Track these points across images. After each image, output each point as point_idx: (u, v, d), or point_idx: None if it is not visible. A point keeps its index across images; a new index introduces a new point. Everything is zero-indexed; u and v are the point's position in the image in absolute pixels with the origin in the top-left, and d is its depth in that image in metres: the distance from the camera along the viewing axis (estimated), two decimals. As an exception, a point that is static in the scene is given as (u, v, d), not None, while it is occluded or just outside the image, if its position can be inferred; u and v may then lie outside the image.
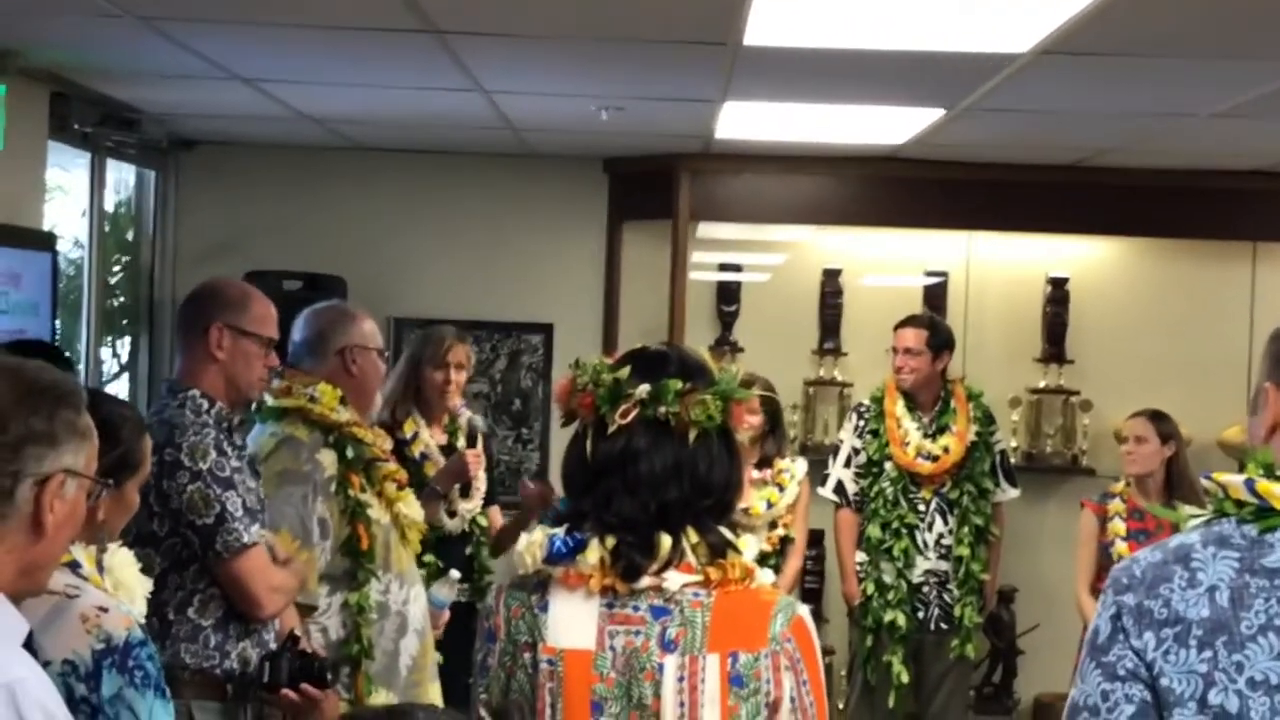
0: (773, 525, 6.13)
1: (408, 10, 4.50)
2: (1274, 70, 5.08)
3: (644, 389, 2.58)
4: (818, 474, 7.09)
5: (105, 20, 4.83)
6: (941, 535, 6.82)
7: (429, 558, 5.36)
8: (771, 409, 6.05)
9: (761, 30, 4.64)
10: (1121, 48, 4.79)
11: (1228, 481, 2.21)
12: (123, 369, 8.08)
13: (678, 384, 2.58)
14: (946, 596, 6.85)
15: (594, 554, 2.53)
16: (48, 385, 2.29)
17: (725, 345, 8.26)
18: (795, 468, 6.22)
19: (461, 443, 5.85)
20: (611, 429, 2.58)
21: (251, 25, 4.93)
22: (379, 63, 5.53)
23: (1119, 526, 6.36)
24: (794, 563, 6.24)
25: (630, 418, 2.57)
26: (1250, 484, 2.18)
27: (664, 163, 7.97)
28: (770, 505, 6.08)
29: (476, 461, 5.69)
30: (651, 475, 2.55)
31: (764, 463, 6.08)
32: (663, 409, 2.57)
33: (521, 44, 5.04)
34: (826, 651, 8.12)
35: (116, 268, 8.05)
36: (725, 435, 2.62)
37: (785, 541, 6.18)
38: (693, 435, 2.57)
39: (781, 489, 6.14)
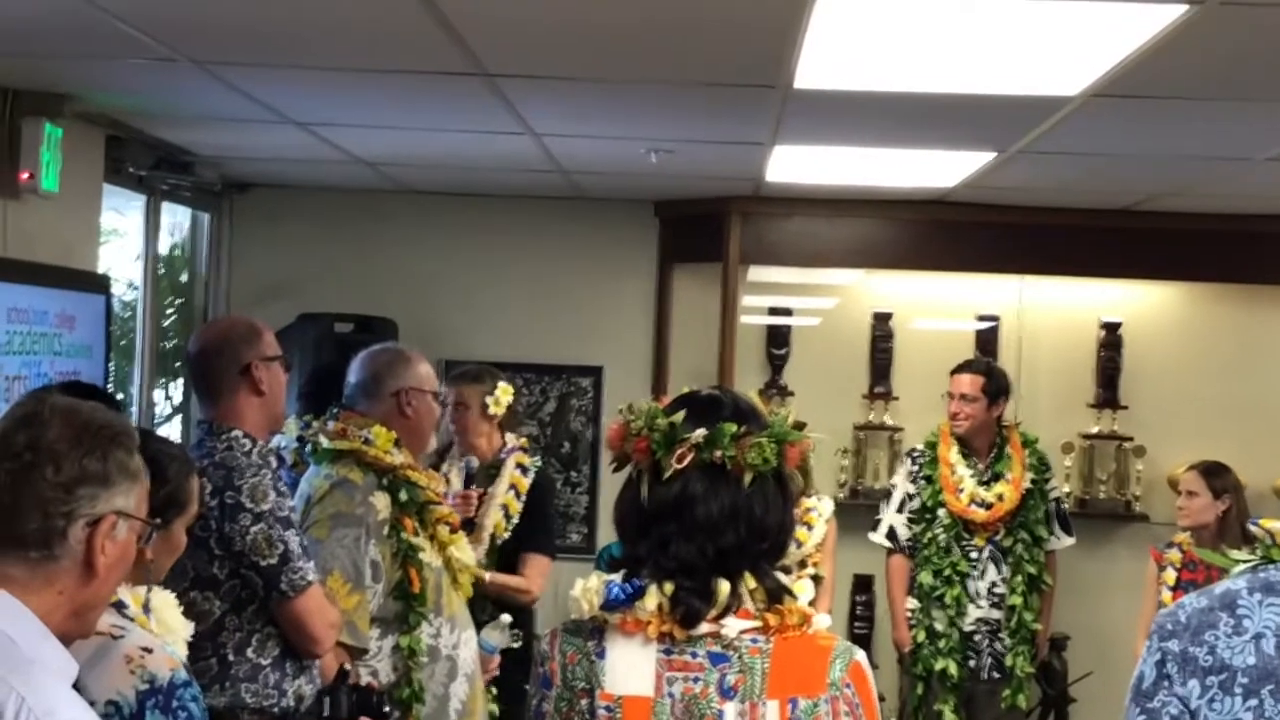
0: (801, 565, 6.09)
1: (459, 54, 4.51)
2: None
3: (700, 433, 2.56)
4: (869, 519, 7.06)
5: (160, 64, 4.87)
6: (994, 583, 6.78)
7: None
8: None
9: (812, 74, 4.64)
10: (1172, 91, 4.77)
11: (1275, 529, 2.20)
12: (175, 411, 8.12)
13: (733, 428, 2.57)
14: (998, 645, 6.79)
15: (653, 600, 2.51)
16: (102, 425, 2.29)
17: (775, 389, 8.24)
18: (823, 506, 6.17)
19: (503, 486, 5.81)
20: (667, 474, 2.56)
21: (304, 69, 4.96)
22: (430, 106, 5.56)
23: (1169, 575, 6.31)
24: (823, 603, 6.17)
25: (686, 462, 2.55)
26: (1298, 532, 2.16)
27: (714, 206, 7.98)
28: (799, 544, 6.04)
29: (463, 504, 5.62)
30: (709, 520, 2.53)
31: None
32: (719, 453, 2.55)
33: (571, 87, 5.05)
34: (877, 699, 8.05)
35: (170, 310, 8.11)
36: (779, 478, 2.61)
37: (814, 581, 6.13)
38: (748, 479, 2.55)
39: (809, 528, 6.10)
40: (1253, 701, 2.09)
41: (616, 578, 2.57)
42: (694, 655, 2.49)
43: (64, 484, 2.20)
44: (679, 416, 2.60)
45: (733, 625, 2.50)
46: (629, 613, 2.52)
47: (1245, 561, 2.26)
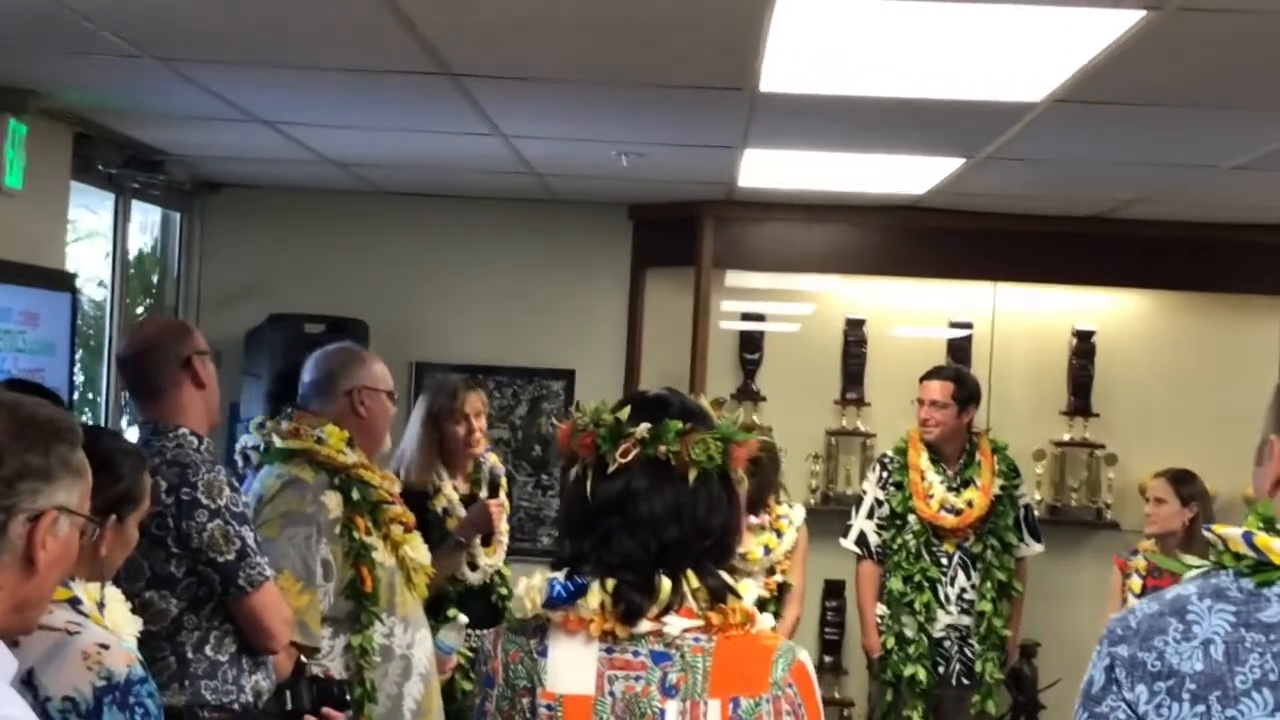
0: (770, 571, 6.08)
1: (422, 53, 4.51)
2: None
3: (644, 428, 2.56)
4: (840, 525, 7.06)
5: (124, 61, 4.86)
6: (964, 590, 6.77)
7: (452, 611, 5.30)
8: (767, 453, 5.97)
9: (777, 77, 4.65)
10: (1135, 98, 4.79)
11: (1227, 534, 2.19)
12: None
13: (678, 424, 2.56)
14: (968, 651, 6.79)
15: (595, 598, 2.50)
16: (44, 421, 2.28)
17: (747, 394, 8.25)
18: (794, 514, 6.17)
19: (484, 492, 5.79)
20: (612, 468, 2.56)
21: (268, 68, 4.96)
22: (397, 106, 5.55)
23: (1135, 583, 6.31)
24: (792, 610, 6.16)
25: (631, 457, 2.55)
26: (1249, 537, 2.15)
27: (688, 210, 7.99)
28: (768, 551, 6.04)
29: (499, 511, 5.60)
30: (651, 515, 2.53)
31: (755, 505, 5.99)
32: (663, 448, 2.55)
33: (537, 88, 5.05)
34: (846, 704, 8.06)
35: (140, 309, 8.08)
36: (725, 478, 2.59)
37: (783, 588, 6.13)
38: (692, 475, 2.54)
39: (780, 535, 6.09)
40: (1200, 708, 2.08)
41: (560, 576, 2.56)
42: (636, 654, 2.48)
43: (5, 478, 2.18)
44: (625, 413, 2.59)
45: (675, 624, 2.48)
46: (571, 610, 2.51)
47: (1198, 567, 2.25)
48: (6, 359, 5.54)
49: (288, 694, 3.89)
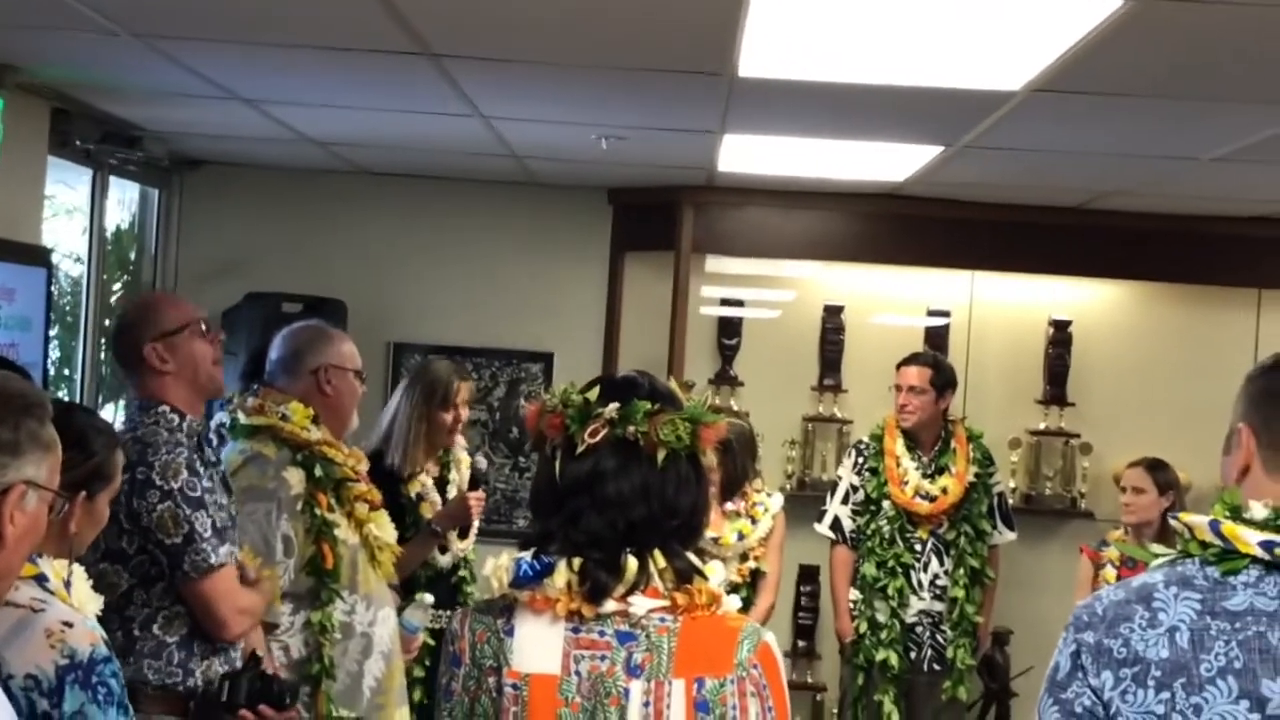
0: (744, 557, 6.08)
1: (401, 32, 4.49)
2: (1269, 117, 5.08)
3: (613, 408, 2.56)
4: (815, 510, 7.07)
5: (101, 37, 4.83)
6: (937, 576, 6.80)
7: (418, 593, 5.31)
8: (741, 436, 5.97)
9: (756, 62, 4.65)
10: (1113, 88, 4.79)
11: (1193, 522, 2.20)
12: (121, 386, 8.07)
13: (647, 405, 2.57)
14: (940, 637, 6.82)
15: (561, 577, 2.50)
16: (13, 395, 2.27)
17: (725, 379, 8.26)
18: (771, 502, 6.17)
19: (453, 475, 5.77)
20: (580, 449, 2.56)
21: (247, 45, 4.94)
22: (377, 86, 5.53)
23: (1109, 574, 6.32)
24: (766, 598, 6.15)
25: (599, 437, 2.55)
26: (1215, 525, 2.17)
27: (667, 194, 7.99)
28: (742, 536, 6.04)
29: (478, 506, 5.59)
30: (619, 495, 2.53)
31: (731, 491, 5.99)
32: (631, 429, 2.55)
33: (516, 69, 5.03)
34: (818, 689, 8.08)
35: (117, 286, 8.06)
36: (693, 459, 2.60)
37: (756, 575, 6.13)
38: (661, 456, 2.55)
39: (754, 521, 6.09)
40: (1165, 694, 2.10)
41: (527, 555, 2.56)
42: (602, 633, 2.49)
43: None
44: (594, 393, 2.60)
45: (641, 604, 2.49)
46: (538, 590, 2.52)
47: (1165, 555, 2.27)
48: (-20, 333, 5.54)
49: (226, 685, 3.87)
